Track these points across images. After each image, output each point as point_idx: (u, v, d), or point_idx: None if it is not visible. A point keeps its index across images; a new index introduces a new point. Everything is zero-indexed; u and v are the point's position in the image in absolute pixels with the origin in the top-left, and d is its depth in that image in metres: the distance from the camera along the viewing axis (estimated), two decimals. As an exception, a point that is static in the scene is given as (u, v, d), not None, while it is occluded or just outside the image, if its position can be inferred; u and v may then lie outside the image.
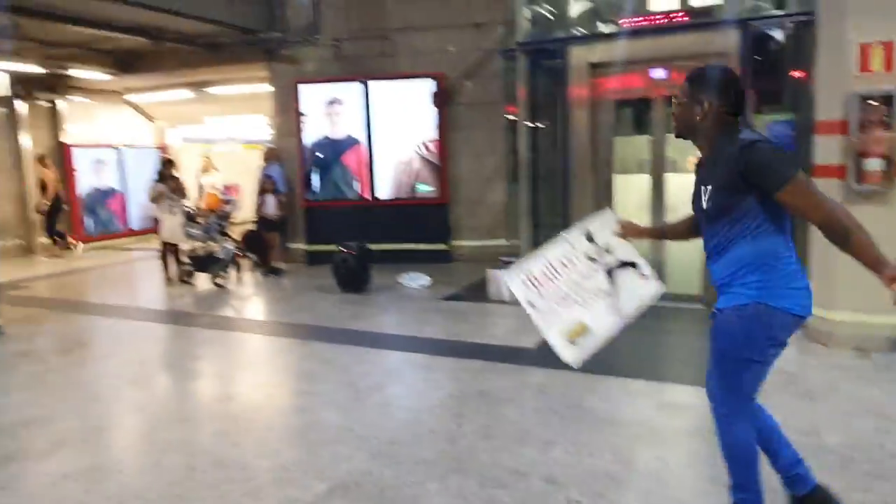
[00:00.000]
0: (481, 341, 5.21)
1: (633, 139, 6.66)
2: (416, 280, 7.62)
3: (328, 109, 9.12)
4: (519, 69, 6.52)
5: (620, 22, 6.02)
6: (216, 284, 7.82)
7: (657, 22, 5.73)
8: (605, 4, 6.40)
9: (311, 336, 5.50)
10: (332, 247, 7.91)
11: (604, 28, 6.35)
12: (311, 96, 9.12)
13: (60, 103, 12.13)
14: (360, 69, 9.15)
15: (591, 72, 6.12)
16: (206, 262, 8.02)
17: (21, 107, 11.50)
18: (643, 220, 6.22)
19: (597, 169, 6.32)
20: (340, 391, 4.16)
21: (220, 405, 4.06)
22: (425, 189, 9.06)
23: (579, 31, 6.39)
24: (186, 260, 8.18)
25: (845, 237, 2.05)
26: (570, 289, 2.90)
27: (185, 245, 8.20)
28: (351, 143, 9.17)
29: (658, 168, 6.13)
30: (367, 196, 9.15)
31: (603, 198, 6.35)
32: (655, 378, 4.26)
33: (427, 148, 8.97)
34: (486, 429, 3.53)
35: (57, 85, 11.88)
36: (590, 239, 2.93)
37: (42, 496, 2.96)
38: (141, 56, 10.72)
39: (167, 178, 8.06)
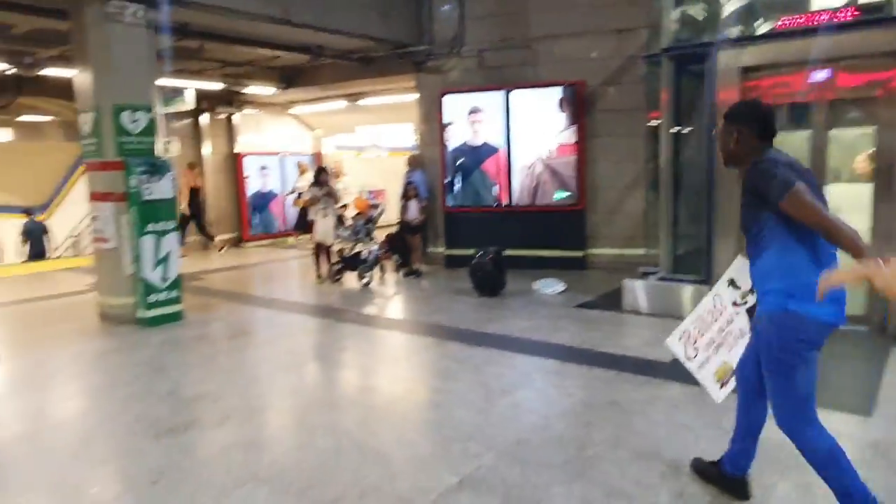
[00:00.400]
0: (614, 351, 5.15)
1: (788, 145, 6.21)
2: (550, 286, 7.65)
3: (470, 118, 9.41)
4: (663, 74, 6.34)
5: (778, 23, 5.67)
6: (362, 283, 8.37)
7: (819, 21, 5.32)
8: (759, 4, 6.05)
9: (447, 336, 5.75)
10: (470, 251, 8.18)
11: (760, 28, 6.01)
12: (455, 105, 9.46)
13: (235, 116, 13.59)
14: (502, 78, 9.35)
15: (742, 76, 5.81)
16: (353, 262, 8.62)
17: (204, 119, 13.06)
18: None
19: (746, 178, 5.98)
20: (473, 390, 4.33)
21: (363, 395, 4.40)
22: (563, 196, 9.05)
23: (731, 33, 6.09)
24: (336, 259, 8.84)
25: (837, 239, 2.26)
26: (718, 335, 3.21)
27: (335, 245, 8.87)
28: (491, 150, 9.39)
29: (816, 176, 5.67)
30: (506, 202, 9.32)
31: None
32: (804, 402, 3.98)
33: (566, 155, 8.95)
34: (615, 439, 3.53)
35: (233, 99, 13.34)
36: (733, 285, 3.14)
37: (215, 460, 3.42)
38: (302, 71, 11.74)
39: (322, 183, 8.75)
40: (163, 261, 6.56)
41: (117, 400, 4.41)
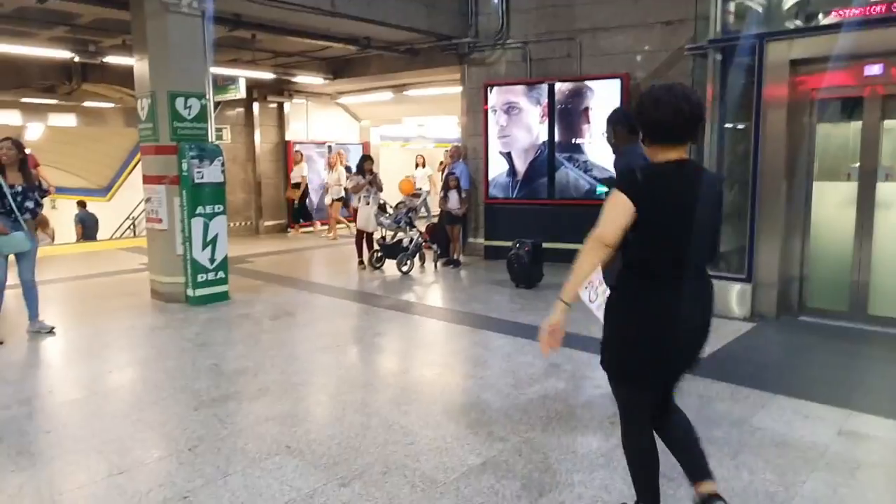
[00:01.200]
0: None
1: (839, 143, 6.04)
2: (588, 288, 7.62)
3: (514, 110, 9.41)
4: (709, 67, 6.23)
5: (830, 14, 5.50)
6: (401, 271, 8.51)
7: (874, 12, 5.14)
8: (812, -5, 5.88)
9: (481, 325, 5.82)
10: (508, 243, 8.22)
11: (812, 21, 5.84)
12: (498, 97, 9.48)
13: (286, 105, 13.92)
14: (546, 71, 9.33)
15: (792, 69, 5.67)
16: (393, 250, 8.77)
17: (256, 108, 13.43)
18: (847, 232, 5.66)
19: (793, 175, 5.84)
20: (502, 377, 4.40)
21: (395, 377, 4.52)
22: (604, 191, 8.98)
23: (781, 25, 5.94)
24: (377, 247, 9.01)
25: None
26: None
27: (377, 233, 9.04)
28: (533, 142, 9.38)
29: (868, 175, 5.51)
30: (546, 195, 9.30)
31: (798, 207, 5.86)
32: (840, 404, 3.91)
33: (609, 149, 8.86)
34: (639, 430, 3.54)
35: (284, 89, 13.66)
36: None
37: (250, 431, 3.58)
38: (350, 62, 11.94)
39: (365, 171, 8.92)
40: (211, 242, 6.83)
41: (163, 372, 4.64)
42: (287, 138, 13.93)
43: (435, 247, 9.40)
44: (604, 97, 8.78)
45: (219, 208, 6.87)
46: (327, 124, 14.84)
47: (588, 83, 8.91)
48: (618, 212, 2.24)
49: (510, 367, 4.60)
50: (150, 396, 4.15)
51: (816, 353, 5.03)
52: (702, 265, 2.42)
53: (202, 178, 6.67)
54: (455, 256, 9.15)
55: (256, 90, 13.21)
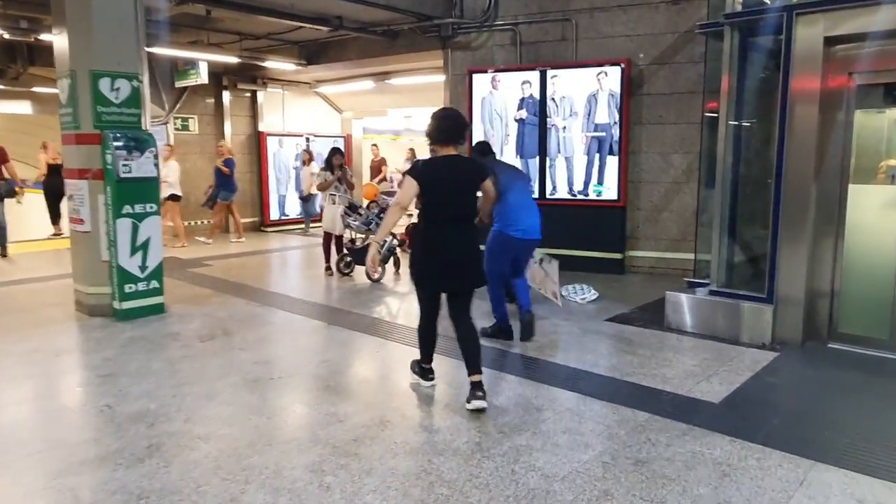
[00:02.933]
0: (649, 384, 4.19)
1: (880, 138, 5.11)
2: (580, 293, 6.69)
3: (502, 98, 8.45)
4: (725, 49, 5.27)
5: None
6: (371, 279, 7.57)
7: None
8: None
9: (452, 352, 4.88)
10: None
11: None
12: (485, 85, 8.52)
13: (259, 94, 12.93)
14: (538, 56, 8.37)
15: (826, 49, 4.72)
16: (363, 255, 7.81)
17: (226, 97, 12.43)
18: (889, 245, 4.72)
19: (824, 176, 4.90)
20: (466, 432, 3.46)
21: (328, 427, 3.55)
22: (601, 190, 8.04)
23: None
24: (346, 251, 8.06)
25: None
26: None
27: (346, 235, 8.08)
28: (525, 135, 8.42)
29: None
30: (537, 195, 8.34)
31: (830, 215, 4.92)
32: (901, 478, 2.97)
33: (606, 144, 7.93)
34: (638, 523, 2.61)
35: (257, 76, 12.67)
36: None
37: (111, 518, 2.65)
38: (325, 47, 10.96)
39: (334, 167, 7.96)
40: (142, 247, 5.88)
41: (41, 416, 3.71)
42: (261, 129, 12.95)
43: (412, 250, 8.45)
44: (602, 86, 7.83)
45: (151, 207, 5.90)
46: (305, 115, 13.86)
47: (584, 70, 7.95)
48: (408, 187, 3.65)
49: (480, 417, 3.65)
50: (4, 456, 3.20)
51: (860, 396, 4.09)
52: (464, 218, 3.75)
53: (130, 172, 5.71)
54: (433, 262, 8.21)
55: (227, 77, 12.24)
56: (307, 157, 12.00)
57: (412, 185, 3.62)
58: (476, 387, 3.68)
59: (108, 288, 5.87)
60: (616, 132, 7.84)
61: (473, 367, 3.72)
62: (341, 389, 4.10)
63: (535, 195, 8.38)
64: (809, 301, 4.99)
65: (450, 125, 3.72)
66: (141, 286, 5.91)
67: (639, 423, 3.57)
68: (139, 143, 5.79)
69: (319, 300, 6.76)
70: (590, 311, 6.22)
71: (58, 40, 5.86)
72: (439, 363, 4.61)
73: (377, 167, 15.36)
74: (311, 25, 8.77)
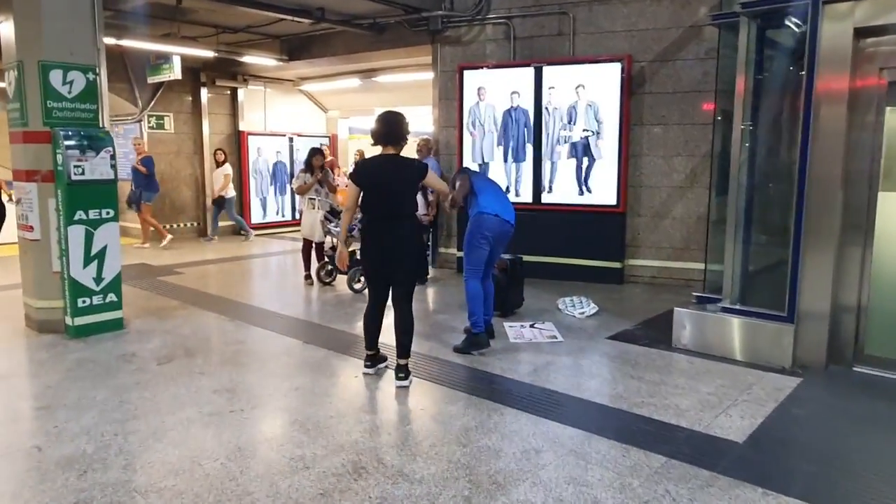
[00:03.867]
0: (661, 417, 3.70)
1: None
2: (578, 306, 6.20)
3: (494, 97, 7.95)
4: (741, 43, 4.80)
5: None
6: (352, 289, 7.04)
7: None
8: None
9: (434, 376, 4.37)
10: (483, 256, 6.79)
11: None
12: (476, 83, 8.02)
13: (240, 91, 12.36)
14: (532, 52, 7.88)
15: (855, 44, 4.25)
16: (345, 264, 7.28)
17: (204, 94, 11.85)
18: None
19: (851, 182, 4.43)
20: (453, 480, 2.94)
21: (290, 475, 3.02)
22: (598, 195, 7.55)
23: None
24: (326, 259, 7.53)
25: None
26: None
27: (326, 242, 7.55)
28: (517, 135, 7.93)
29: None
30: (530, 199, 7.86)
31: (857, 222, 4.45)
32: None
33: (603, 146, 7.45)
34: None
35: (237, 73, 12.11)
36: None
37: None
38: (308, 41, 10.42)
39: (314, 168, 7.43)
40: (97, 256, 5.32)
41: (-44, 460, 3.15)
42: (241, 129, 12.37)
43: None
44: (600, 84, 7.35)
45: (107, 213, 5.35)
46: (289, 114, 13.30)
47: (581, 66, 7.47)
48: (350, 190, 4.16)
49: (465, 460, 3.14)
50: None
51: None
52: (398, 214, 4.06)
53: (82, 173, 5.15)
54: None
55: (205, 73, 11.65)
56: (222, 158, 11.22)
57: (352, 188, 4.11)
58: (401, 369, 4.14)
59: (60, 302, 5.32)
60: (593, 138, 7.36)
61: (401, 352, 4.17)
62: (311, 425, 3.57)
63: (529, 200, 7.94)
64: (834, 320, 4.52)
65: (389, 129, 4.05)
66: (96, 300, 5.35)
67: (654, 469, 3.07)
68: (94, 141, 5.23)
69: (296, 313, 6.22)
70: (589, 327, 5.73)
71: (3, 28, 5.30)
72: (426, 389, 4.11)
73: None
74: (291, 17, 8.23)
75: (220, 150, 11.36)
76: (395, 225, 4.04)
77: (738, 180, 4.87)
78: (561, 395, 4.06)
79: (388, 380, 4.31)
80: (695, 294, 5.32)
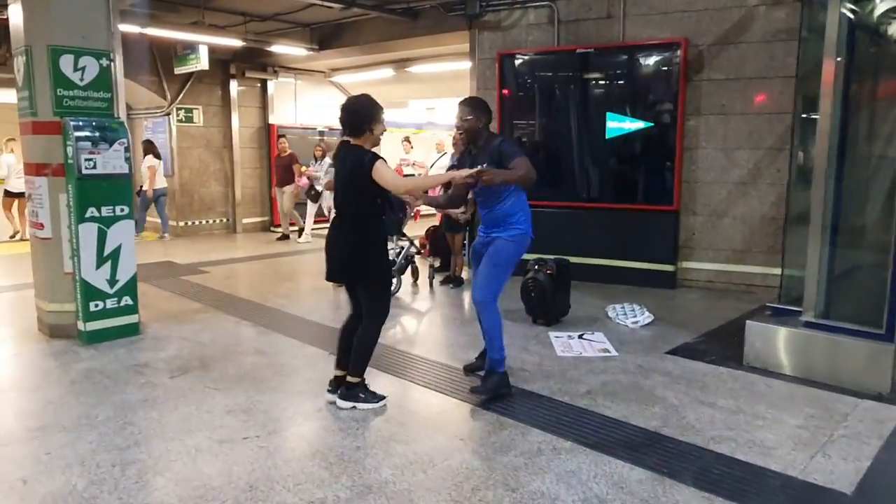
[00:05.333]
0: (746, 456, 3.12)
1: None
2: (631, 315, 5.62)
3: (536, 86, 7.39)
4: (831, 21, 4.15)
5: None
6: (384, 292, 6.57)
7: None
8: None
9: (474, 398, 3.86)
10: (526, 255, 6.28)
11: None
12: (517, 71, 7.46)
13: (270, 83, 12.01)
14: (578, 37, 7.28)
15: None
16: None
17: (233, 87, 11.53)
18: None
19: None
20: (499, 538, 2.43)
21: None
22: (650, 192, 6.93)
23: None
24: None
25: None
26: None
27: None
28: (560, 128, 7.36)
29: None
30: (575, 196, 7.28)
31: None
32: None
33: (657, 138, 6.82)
34: None
35: (267, 64, 11.76)
36: None
37: None
38: (339, 29, 9.97)
39: (343, 163, 6.96)
40: (111, 257, 4.95)
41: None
42: (271, 122, 12.02)
43: (431, 260, 7.45)
44: (653, 70, 6.73)
45: (121, 210, 4.97)
46: (319, 107, 12.89)
47: (632, 51, 6.85)
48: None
49: (512, 497, 2.63)
50: None
51: None
52: (342, 213, 3.61)
53: (94, 167, 4.77)
54: (457, 273, 7.19)
55: (235, 65, 11.32)
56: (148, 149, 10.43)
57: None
58: (339, 381, 3.71)
59: (73, 305, 4.96)
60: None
61: (343, 363, 3.72)
62: (335, 458, 3.09)
63: (575, 196, 7.36)
64: (941, 339, 3.87)
65: (343, 116, 3.56)
66: (110, 303, 4.98)
67: (747, 529, 2.51)
68: (107, 133, 4.85)
69: (322, 319, 5.77)
70: (644, 339, 5.15)
71: (12, 10, 4.94)
72: (463, 414, 3.60)
73: (286, 165, 10.49)
74: (321, 3, 7.78)
75: (146, 140, 10.56)
76: (338, 224, 3.63)
77: (825, 178, 4.23)
78: (623, 424, 3.51)
79: (422, 403, 3.82)
80: (768, 305, 4.70)
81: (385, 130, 3.67)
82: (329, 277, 3.80)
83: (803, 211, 4.47)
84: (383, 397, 3.70)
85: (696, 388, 4.03)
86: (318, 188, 9.47)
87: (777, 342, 4.31)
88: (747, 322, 4.48)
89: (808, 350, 4.19)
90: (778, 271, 6.41)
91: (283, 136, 11.12)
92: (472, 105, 3.93)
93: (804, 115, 4.95)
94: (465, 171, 3.57)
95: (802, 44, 4.80)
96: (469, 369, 4.26)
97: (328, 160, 9.71)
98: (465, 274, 7.24)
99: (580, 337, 5.12)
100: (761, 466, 3.02)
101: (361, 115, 3.53)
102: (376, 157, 3.46)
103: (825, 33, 4.17)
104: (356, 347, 3.64)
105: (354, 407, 3.61)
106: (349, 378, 3.65)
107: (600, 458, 3.09)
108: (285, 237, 10.63)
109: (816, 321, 4.24)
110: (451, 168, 7.14)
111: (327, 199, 9.22)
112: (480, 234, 4.07)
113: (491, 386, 3.79)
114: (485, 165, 3.64)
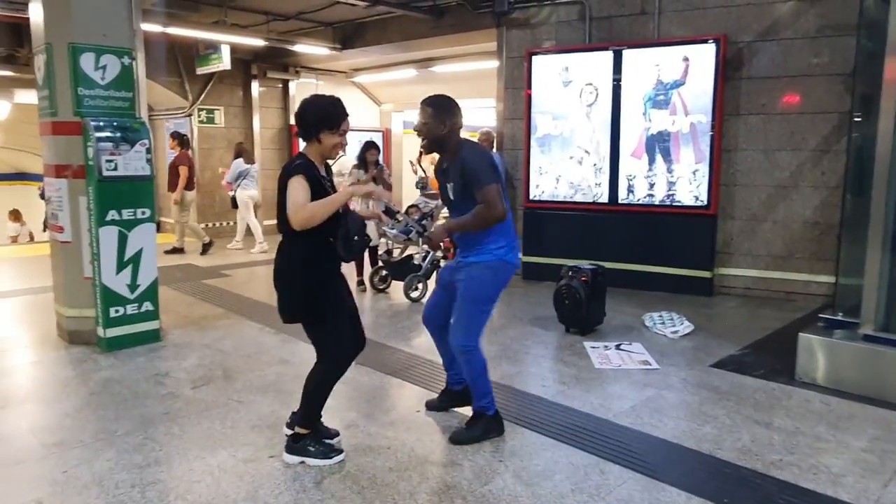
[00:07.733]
0: (809, 484, 2.86)
1: None
2: (669, 325, 5.36)
3: (566, 86, 7.15)
4: (894, 15, 3.87)
5: None
6: (409, 297, 6.38)
7: None
8: None
9: (513, 413, 3.63)
10: (555, 260, 6.06)
11: None
12: (546, 70, 7.23)
13: (292, 84, 11.89)
14: (611, 34, 7.04)
15: None
16: (401, 269, 6.63)
17: (255, 87, 11.42)
18: None
19: None
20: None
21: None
22: (685, 195, 6.65)
23: None
24: (381, 263, 6.90)
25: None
26: None
27: (381, 246, 6.92)
28: (592, 129, 7.10)
29: None
30: (606, 199, 7.02)
31: None
32: None
33: (694, 139, 6.55)
34: None
35: (289, 65, 11.64)
36: None
37: None
38: (362, 27, 9.80)
39: (368, 164, 6.80)
40: (131, 261, 4.80)
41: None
42: (292, 123, 11.86)
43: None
44: (690, 68, 6.45)
45: (143, 213, 4.82)
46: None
47: (667, 49, 6.58)
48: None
49: (566, 544, 2.40)
50: None
51: None
52: (279, 229, 2.92)
53: (115, 168, 4.62)
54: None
55: (256, 65, 11.21)
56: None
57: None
58: (289, 432, 3.13)
59: (92, 311, 4.82)
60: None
61: (295, 413, 3.19)
62: (366, 481, 2.89)
63: (605, 199, 7.11)
64: None
65: (296, 116, 2.99)
66: (130, 309, 4.83)
67: (826, 573, 2.26)
68: (129, 133, 4.70)
69: (347, 326, 5.58)
70: (685, 350, 4.88)
71: (32, 8, 4.82)
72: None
73: (174, 169, 9.12)
74: (345, 0, 7.61)
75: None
76: (279, 244, 3.03)
77: (886, 180, 3.95)
78: (673, 445, 3.27)
79: (459, 417, 3.60)
80: (821, 316, 4.41)
81: (344, 145, 2.98)
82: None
83: (860, 216, 4.20)
84: (340, 451, 3.04)
85: (749, 407, 3.77)
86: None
87: (833, 356, 4.03)
88: (800, 334, 4.20)
89: (868, 365, 3.91)
90: (822, 279, 6.17)
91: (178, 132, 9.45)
92: (434, 105, 3.18)
93: (857, 116, 4.67)
94: (364, 187, 3.59)
95: (861, 41, 4.50)
96: (430, 408, 3.66)
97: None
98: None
99: (617, 347, 4.87)
100: (831, 496, 2.77)
101: (308, 120, 2.87)
102: (301, 169, 2.79)
103: (888, 28, 3.90)
104: (304, 390, 3.01)
105: (303, 462, 2.99)
106: (297, 429, 3.04)
107: (652, 485, 2.85)
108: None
109: (876, 334, 3.96)
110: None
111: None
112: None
113: (477, 433, 3.25)
114: (450, 186, 3.18)
